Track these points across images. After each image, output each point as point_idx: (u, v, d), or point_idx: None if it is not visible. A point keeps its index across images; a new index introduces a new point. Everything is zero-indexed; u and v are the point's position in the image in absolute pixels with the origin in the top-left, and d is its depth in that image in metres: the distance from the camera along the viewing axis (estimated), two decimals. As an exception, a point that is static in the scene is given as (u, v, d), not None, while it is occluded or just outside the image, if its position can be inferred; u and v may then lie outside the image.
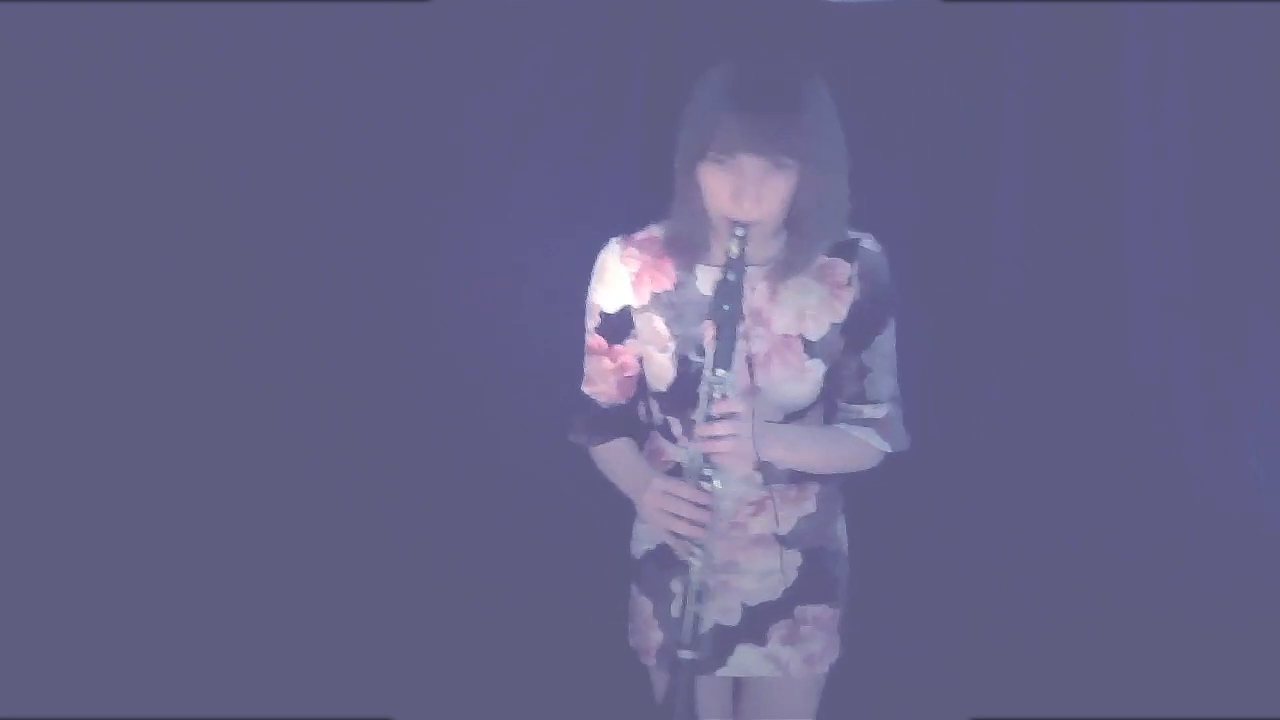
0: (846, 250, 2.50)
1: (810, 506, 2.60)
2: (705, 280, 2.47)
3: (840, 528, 2.69)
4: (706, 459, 2.38)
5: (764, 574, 2.59)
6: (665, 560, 2.57)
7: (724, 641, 2.60)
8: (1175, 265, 3.17)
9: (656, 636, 2.63)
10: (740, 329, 2.39)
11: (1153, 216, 3.15)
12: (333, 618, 3.21)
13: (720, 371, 2.35)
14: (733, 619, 2.61)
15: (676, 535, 2.42)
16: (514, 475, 3.15)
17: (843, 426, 2.54)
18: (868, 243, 2.52)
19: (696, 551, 2.40)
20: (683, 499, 2.39)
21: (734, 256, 2.34)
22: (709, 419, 2.35)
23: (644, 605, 2.66)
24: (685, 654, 2.41)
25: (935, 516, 3.17)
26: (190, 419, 3.18)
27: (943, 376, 3.17)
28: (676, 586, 2.54)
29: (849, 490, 2.70)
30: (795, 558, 2.61)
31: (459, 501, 3.22)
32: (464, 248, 3.17)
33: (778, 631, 2.61)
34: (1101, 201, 3.14)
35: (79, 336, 3.13)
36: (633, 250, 2.54)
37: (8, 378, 3.13)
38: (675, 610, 2.46)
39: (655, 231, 2.53)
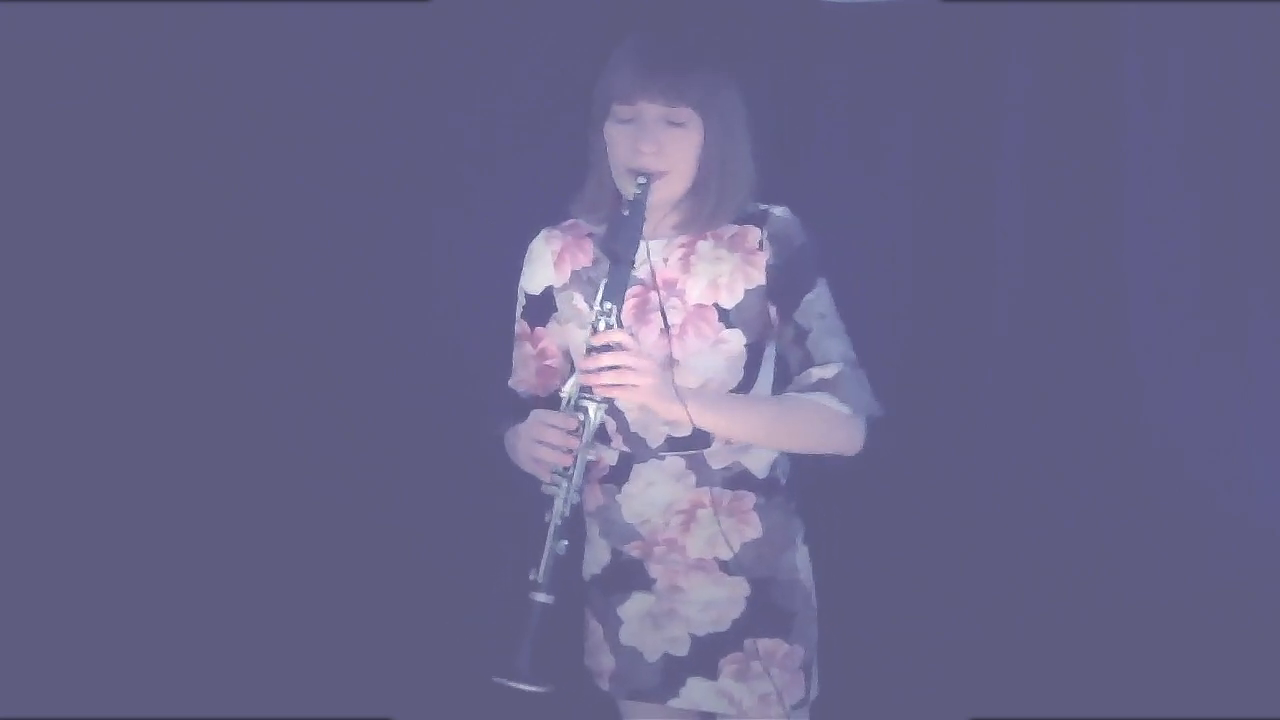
0: (757, 218, 2.49)
1: (754, 531, 2.51)
2: None
3: (798, 558, 2.55)
4: (584, 388, 2.32)
5: (708, 603, 2.51)
6: (611, 584, 2.55)
7: (675, 672, 2.52)
8: (1175, 264, 3.17)
9: (608, 661, 2.57)
10: (657, 299, 2.43)
11: (1153, 216, 3.15)
12: (333, 618, 3.21)
13: (608, 304, 2.32)
14: (681, 649, 2.52)
15: (548, 476, 2.34)
16: (515, 476, 3.14)
17: (793, 394, 2.43)
18: (778, 210, 2.50)
19: (561, 483, 2.32)
20: (552, 425, 2.34)
21: (633, 197, 2.36)
22: (590, 349, 2.31)
23: (595, 629, 2.60)
24: (540, 597, 2.30)
25: (934, 515, 3.16)
26: (192, 419, 3.18)
27: (943, 376, 3.17)
28: (623, 612, 2.54)
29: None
30: (741, 587, 2.51)
31: (459, 501, 3.21)
32: (462, 248, 3.17)
33: (729, 666, 2.51)
34: (1102, 201, 3.14)
35: (78, 337, 3.13)
36: (556, 233, 2.58)
37: (7, 378, 3.13)
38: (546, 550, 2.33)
39: (580, 219, 2.57)
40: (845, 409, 2.41)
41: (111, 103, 3.09)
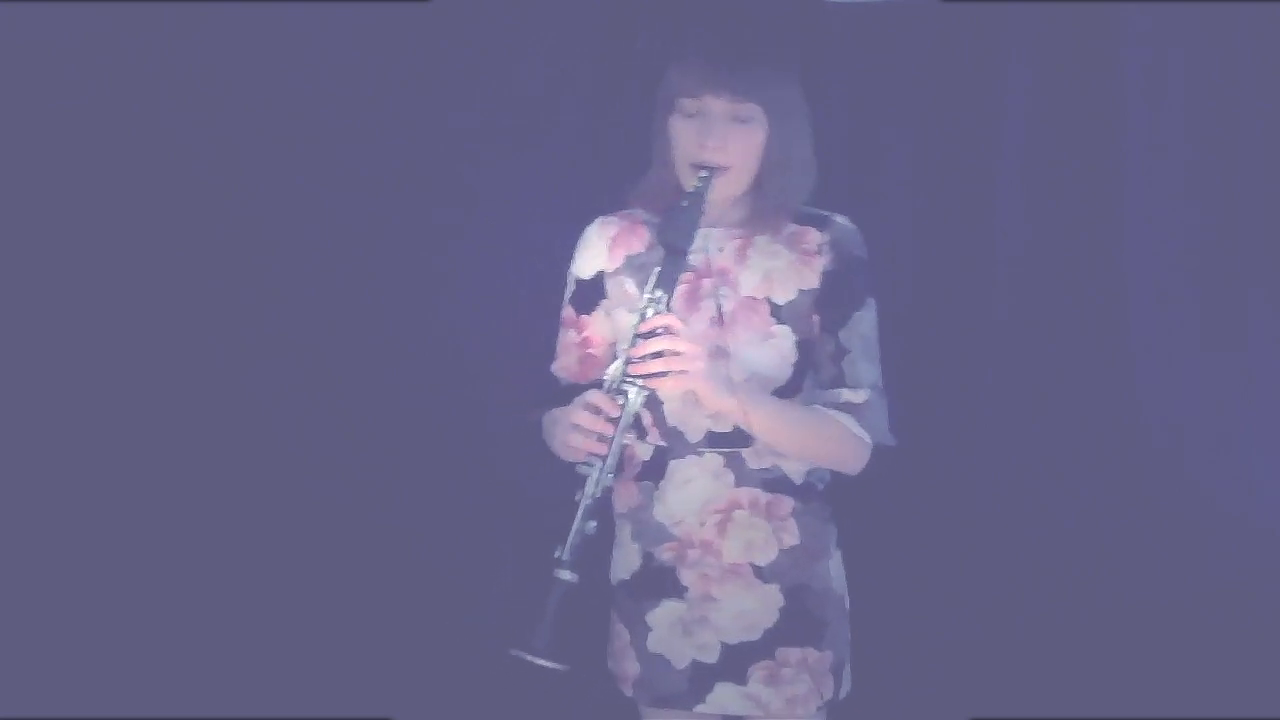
0: (818, 220, 2.49)
1: (791, 538, 2.50)
2: None
3: (832, 565, 2.55)
4: (626, 374, 2.32)
5: (740, 612, 2.49)
6: (639, 590, 2.53)
7: (703, 679, 2.50)
8: (1175, 264, 3.17)
9: (634, 667, 2.55)
10: (709, 285, 2.43)
11: (1153, 216, 3.15)
12: (333, 618, 3.21)
13: (659, 292, 2.33)
14: (711, 656, 2.50)
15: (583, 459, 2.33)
16: (517, 475, 3.15)
17: (821, 408, 2.44)
18: (841, 218, 2.51)
19: (595, 462, 2.31)
20: (592, 405, 2.32)
21: (693, 189, 2.36)
22: (636, 338, 2.31)
23: (620, 633, 2.57)
24: (564, 574, 2.29)
25: (935, 515, 3.17)
26: (191, 417, 3.18)
27: (943, 377, 3.17)
28: (652, 620, 2.52)
29: (842, 510, 2.63)
30: (775, 596, 2.49)
31: (460, 501, 3.22)
32: (463, 248, 3.18)
33: (758, 672, 2.50)
34: (1102, 201, 3.14)
35: (81, 339, 3.13)
36: (612, 219, 2.57)
37: (7, 378, 3.13)
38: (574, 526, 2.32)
39: (636, 210, 2.56)
40: (865, 436, 2.45)
41: (111, 103, 3.09)
